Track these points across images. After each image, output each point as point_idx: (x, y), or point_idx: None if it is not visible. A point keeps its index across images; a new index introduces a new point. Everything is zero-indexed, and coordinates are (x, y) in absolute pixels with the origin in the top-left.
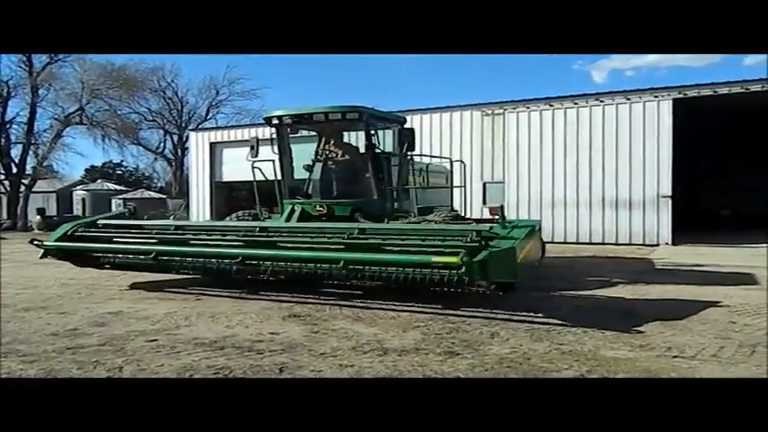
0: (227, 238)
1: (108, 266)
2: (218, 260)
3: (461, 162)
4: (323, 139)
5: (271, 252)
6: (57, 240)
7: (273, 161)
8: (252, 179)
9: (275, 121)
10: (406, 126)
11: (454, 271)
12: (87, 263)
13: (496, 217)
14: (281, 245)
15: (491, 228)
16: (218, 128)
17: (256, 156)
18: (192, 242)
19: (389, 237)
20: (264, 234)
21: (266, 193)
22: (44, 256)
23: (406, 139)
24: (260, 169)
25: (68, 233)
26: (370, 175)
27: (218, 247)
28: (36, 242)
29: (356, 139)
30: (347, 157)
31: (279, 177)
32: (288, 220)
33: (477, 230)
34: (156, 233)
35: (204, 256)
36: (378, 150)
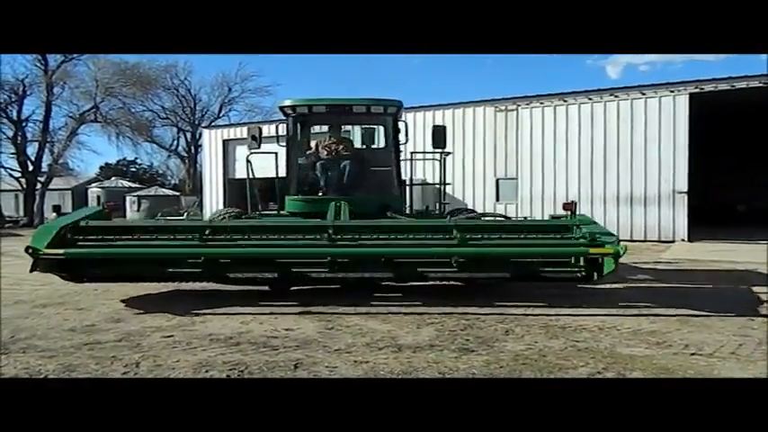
0: (306, 238)
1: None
2: (309, 261)
3: (444, 153)
4: (342, 133)
5: (391, 250)
6: (53, 246)
7: (277, 154)
8: (251, 175)
9: (302, 111)
10: (437, 124)
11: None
12: (103, 275)
13: (566, 213)
14: (388, 243)
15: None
16: (230, 125)
17: (258, 147)
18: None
19: (481, 232)
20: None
21: (264, 190)
22: (34, 269)
23: (439, 136)
24: (250, 162)
25: (64, 236)
26: (393, 171)
27: (303, 247)
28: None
29: (351, 133)
30: (360, 151)
31: (282, 172)
32: (336, 217)
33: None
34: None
35: (290, 256)
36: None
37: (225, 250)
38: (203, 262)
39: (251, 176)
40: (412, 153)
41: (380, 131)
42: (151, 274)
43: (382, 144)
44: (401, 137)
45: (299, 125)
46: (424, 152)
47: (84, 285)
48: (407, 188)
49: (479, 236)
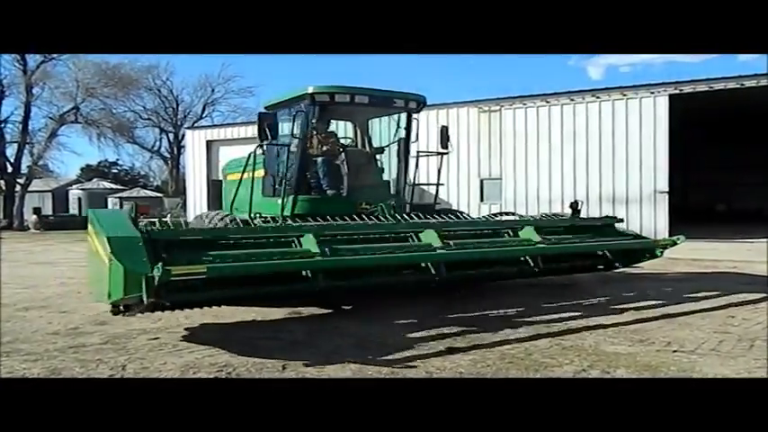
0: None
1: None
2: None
3: (441, 153)
4: (357, 128)
5: (497, 251)
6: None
7: (288, 147)
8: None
9: (324, 99)
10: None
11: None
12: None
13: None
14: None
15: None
16: (214, 126)
17: (273, 139)
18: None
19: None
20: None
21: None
22: (155, 301)
23: (445, 136)
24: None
25: (158, 252)
26: (403, 169)
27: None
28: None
29: (344, 130)
30: (369, 149)
31: (285, 168)
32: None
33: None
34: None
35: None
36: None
37: (369, 257)
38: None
39: (253, 172)
40: (418, 152)
41: (394, 127)
42: (278, 292)
43: (388, 141)
44: (412, 135)
45: (316, 116)
46: (428, 152)
47: (66, 288)
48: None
49: (551, 235)
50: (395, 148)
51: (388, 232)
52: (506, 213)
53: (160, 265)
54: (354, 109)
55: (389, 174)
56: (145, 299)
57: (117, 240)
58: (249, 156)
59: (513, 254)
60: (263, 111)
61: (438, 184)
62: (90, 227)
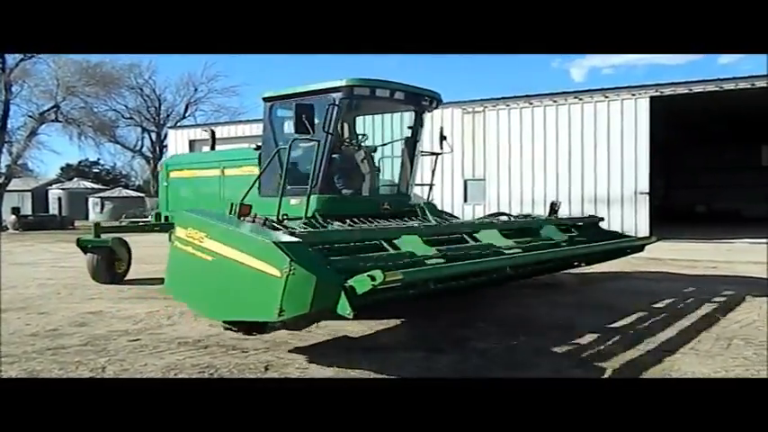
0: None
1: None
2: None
3: (436, 153)
4: (349, 125)
5: (563, 251)
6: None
7: (320, 142)
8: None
9: (364, 92)
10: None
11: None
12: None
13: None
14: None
15: None
16: (197, 125)
17: (312, 132)
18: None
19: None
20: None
21: None
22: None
23: (442, 137)
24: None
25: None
26: (409, 168)
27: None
28: None
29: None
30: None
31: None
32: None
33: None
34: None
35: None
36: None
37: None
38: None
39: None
40: (420, 152)
41: (405, 125)
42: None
43: (381, 140)
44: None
45: (350, 110)
46: (432, 152)
47: (46, 289)
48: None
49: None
50: (387, 147)
51: (449, 233)
52: (501, 214)
53: (368, 274)
54: (380, 104)
55: (391, 173)
56: (341, 310)
57: (293, 248)
58: (274, 153)
59: (565, 254)
60: (300, 101)
61: (431, 185)
62: (204, 232)
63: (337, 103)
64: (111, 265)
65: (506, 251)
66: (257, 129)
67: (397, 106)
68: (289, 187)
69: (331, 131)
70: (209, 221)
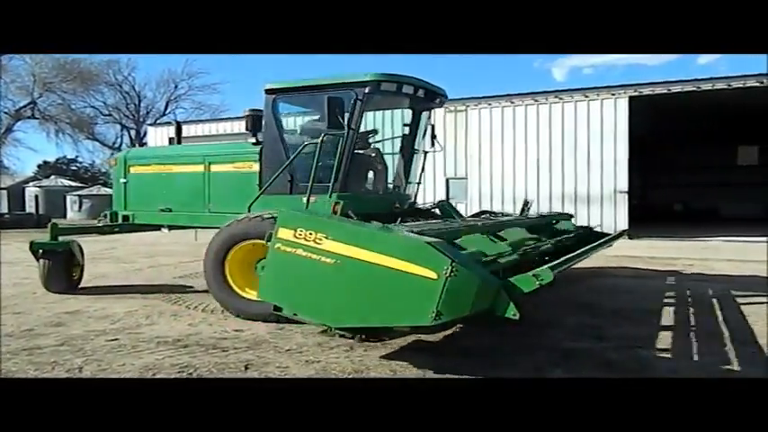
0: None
1: None
2: None
3: (425, 152)
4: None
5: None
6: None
7: (341, 135)
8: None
9: (390, 88)
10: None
11: None
12: None
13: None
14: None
15: None
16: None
17: (344, 128)
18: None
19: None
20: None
21: None
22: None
23: (432, 135)
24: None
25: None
26: (408, 166)
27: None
28: None
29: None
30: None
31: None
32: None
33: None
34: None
35: None
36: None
37: None
38: None
39: (344, 157)
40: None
41: (401, 122)
42: None
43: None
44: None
45: (365, 106)
46: (423, 150)
47: (21, 289)
48: None
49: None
50: (383, 144)
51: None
52: (485, 212)
53: (534, 273)
54: (396, 101)
55: (394, 171)
56: (508, 312)
57: (450, 249)
58: (301, 148)
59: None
60: (332, 95)
61: (418, 183)
62: (322, 233)
63: (362, 97)
64: (68, 271)
65: (543, 248)
66: (239, 126)
67: (415, 103)
68: (302, 185)
69: (354, 127)
70: (329, 221)
